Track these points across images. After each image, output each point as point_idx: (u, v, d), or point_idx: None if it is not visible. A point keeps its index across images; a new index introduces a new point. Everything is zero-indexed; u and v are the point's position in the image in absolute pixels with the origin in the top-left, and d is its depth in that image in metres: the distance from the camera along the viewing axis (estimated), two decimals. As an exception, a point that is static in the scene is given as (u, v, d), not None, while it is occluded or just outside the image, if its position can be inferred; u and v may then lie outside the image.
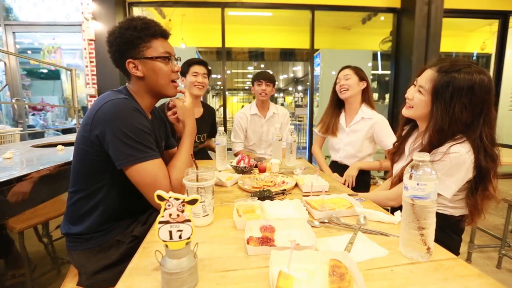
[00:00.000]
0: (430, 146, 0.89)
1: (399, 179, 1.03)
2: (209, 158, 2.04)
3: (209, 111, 2.01)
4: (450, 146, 0.84)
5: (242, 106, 2.37)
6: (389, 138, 1.54)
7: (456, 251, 0.98)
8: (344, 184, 1.58)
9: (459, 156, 0.82)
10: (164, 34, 0.93)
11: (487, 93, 0.83)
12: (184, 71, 1.79)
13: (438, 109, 0.86)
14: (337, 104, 1.75)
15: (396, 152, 1.13)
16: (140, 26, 0.86)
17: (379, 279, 0.52)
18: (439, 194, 0.88)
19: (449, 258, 0.59)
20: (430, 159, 0.86)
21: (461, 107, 0.83)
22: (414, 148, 0.98)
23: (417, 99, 0.93)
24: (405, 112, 1.01)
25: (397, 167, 1.12)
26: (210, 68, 1.86)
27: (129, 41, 0.86)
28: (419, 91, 0.92)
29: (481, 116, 0.84)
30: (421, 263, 0.57)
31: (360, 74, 1.64)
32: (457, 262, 0.57)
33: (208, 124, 1.99)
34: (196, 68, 1.76)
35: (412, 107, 0.96)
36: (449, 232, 0.94)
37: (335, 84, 1.72)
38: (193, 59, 1.84)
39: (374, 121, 1.60)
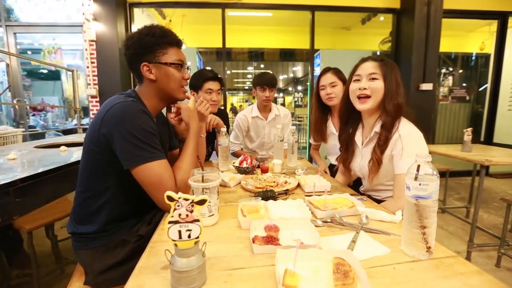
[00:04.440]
0: (388, 127, 0.99)
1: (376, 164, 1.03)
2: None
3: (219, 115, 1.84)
4: (398, 129, 0.97)
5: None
6: None
7: None
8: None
9: (414, 133, 0.95)
10: (179, 44, 0.98)
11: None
12: (196, 86, 1.60)
13: (390, 85, 0.99)
14: (323, 110, 1.71)
15: (346, 151, 1.19)
16: (159, 33, 0.92)
17: (381, 277, 0.53)
18: (397, 175, 0.96)
19: (449, 256, 0.61)
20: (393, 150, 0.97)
21: (398, 79, 1.01)
22: (371, 138, 1.05)
23: (375, 85, 1.01)
24: (365, 106, 1.03)
25: (356, 163, 1.15)
26: (223, 82, 1.67)
27: (146, 46, 0.91)
28: (372, 78, 1.01)
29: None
30: (422, 261, 0.59)
31: (342, 78, 1.61)
32: (457, 260, 0.59)
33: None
34: (211, 85, 1.58)
35: (370, 97, 1.02)
36: None
37: (317, 88, 1.66)
38: (207, 72, 1.62)
39: None
